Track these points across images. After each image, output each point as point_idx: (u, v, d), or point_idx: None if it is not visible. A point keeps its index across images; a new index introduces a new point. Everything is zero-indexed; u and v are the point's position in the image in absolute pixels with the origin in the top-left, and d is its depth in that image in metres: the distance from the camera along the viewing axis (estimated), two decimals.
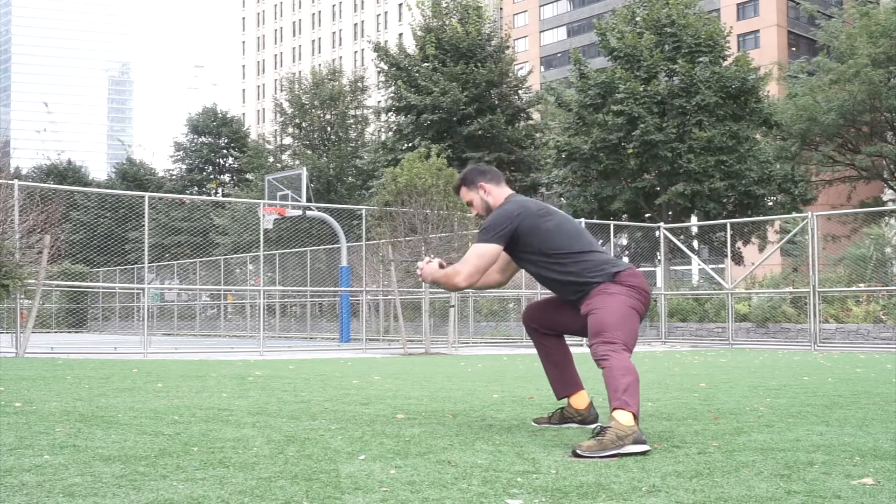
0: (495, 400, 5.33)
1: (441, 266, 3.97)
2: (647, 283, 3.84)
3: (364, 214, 18.38)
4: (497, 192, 4.03)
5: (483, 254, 3.78)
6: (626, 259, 26.69)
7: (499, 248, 3.79)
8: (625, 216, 28.51)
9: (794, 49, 59.84)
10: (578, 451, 3.24)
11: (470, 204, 4.11)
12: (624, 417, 3.37)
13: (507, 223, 3.80)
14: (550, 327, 4.11)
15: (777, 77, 35.17)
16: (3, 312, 23.16)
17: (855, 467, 2.94)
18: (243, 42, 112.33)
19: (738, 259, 28.09)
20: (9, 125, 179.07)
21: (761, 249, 28.05)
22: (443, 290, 19.93)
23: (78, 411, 4.51)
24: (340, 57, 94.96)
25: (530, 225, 3.81)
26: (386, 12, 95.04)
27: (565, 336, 4.19)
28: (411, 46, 33.35)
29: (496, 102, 31.48)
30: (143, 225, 15.91)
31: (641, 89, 25.89)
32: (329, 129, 40.64)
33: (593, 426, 3.79)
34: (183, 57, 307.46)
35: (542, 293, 18.55)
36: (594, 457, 3.21)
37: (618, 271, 3.78)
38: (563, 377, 4.12)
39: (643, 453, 3.28)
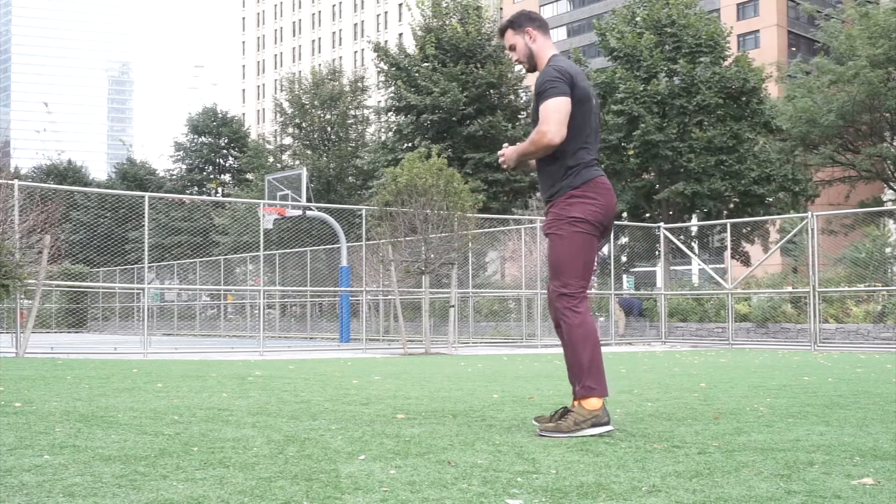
0: (495, 400, 5.33)
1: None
2: (612, 196, 3.85)
3: (364, 214, 18.38)
4: (542, 42, 3.96)
5: (559, 107, 3.73)
6: (625, 259, 26.72)
7: (570, 99, 3.74)
8: (625, 216, 28.53)
9: (794, 49, 59.82)
10: (539, 431, 3.50)
11: (512, 48, 4.01)
12: (588, 403, 3.56)
13: (567, 77, 3.76)
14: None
15: (776, 78, 35.17)
16: (3, 312, 23.16)
17: (855, 467, 2.94)
18: (243, 42, 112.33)
19: (744, 259, 28.09)
20: (9, 125, 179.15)
21: (766, 250, 28.05)
22: (443, 290, 19.96)
23: (78, 411, 4.51)
24: (340, 57, 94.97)
25: (582, 93, 3.78)
26: (386, 12, 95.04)
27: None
28: (411, 46, 33.34)
29: (496, 102, 31.48)
30: (143, 225, 15.91)
31: (641, 89, 25.90)
32: (329, 129, 40.64)
33: (561, 407, 3.93)
34: (183, 57, 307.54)
35: (542, 294, 18.55)
36: (549, 436, 3.43)
37: (588, 179, 3.79)
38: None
39: (602, 435, 3.42)
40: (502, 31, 4.06)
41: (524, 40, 3.96)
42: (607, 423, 3.51)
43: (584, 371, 3.59)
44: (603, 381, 3.61)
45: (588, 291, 3.82)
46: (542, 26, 3.99)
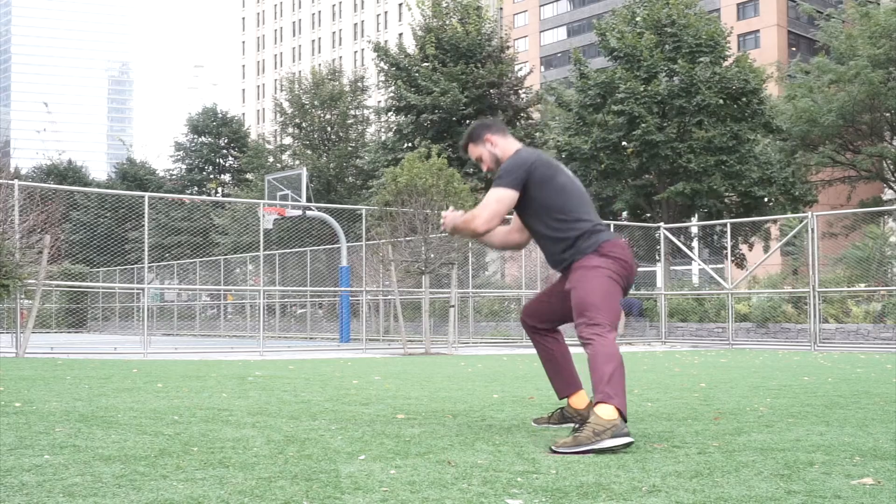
0: (495, 400, 5.33)
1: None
2: (630, 254, 3.84)
3: (364, 214, 18.38)
4: (504, 144, 4.02)
5: (500, 198, 3.75)
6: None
7: (515, 193, 3.77)
8: (625, 216, 28.51)
9: (794, 49, 59.82)
10: (553, 448, 3.27)
11: (479, 160, 4.08)
12: (604, 411, 3.38)
13: (523, 169, 3.78)
14: (547, 319, 4.09)
15: (776, 78, 35.17)
16: (3, 312, 23.17)
17: (855, 467, 2.94)
18: (243, 42, 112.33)
19: (739, 261, 28.10)
20: (9, 125, 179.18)
21: (766, 250, 28.05)
22: (443, 290, 19.95)
23: (78, 411, 4.51)
24: (340, 57, 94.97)
25: (543, 175, 3.80)
26: (386, 12, 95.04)
27: (565, 337, 4.19)
28: (411, 46, 33.32)
29: (496, 103, 31.46)
30: (143, 225, 15.91)
31: (642, 89, 25.89)
32: (329, 129, 40.63)
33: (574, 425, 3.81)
34: (183, 57, 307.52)
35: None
36: (568, 452, 3.24)
37: (602, 241, 3.78)
38: (562, 377, 4.12)
39: (625, 446, 3.30)
40: (465, 148, 4.14)
41: (487, 149, 4.03)
42: (627, 434, 3.36)
43: (604, 381, 3.46)
44: (623, 395, 3.46)
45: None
46: (500, 129, 4.07)
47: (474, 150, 4.09)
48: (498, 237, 4.15)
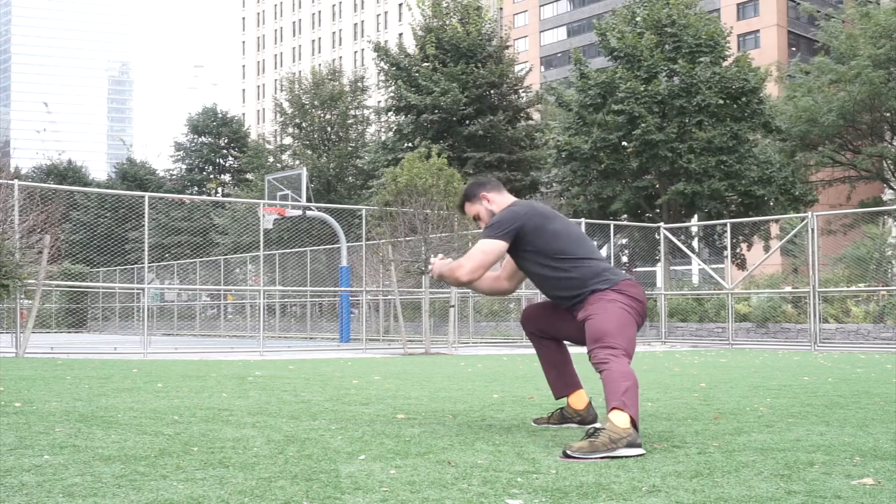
0: (495, 400, 5.33)
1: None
2: (644, 295, 3.83)
3: (364, 214, 18.39)
4: (500, 200, 4.05)
5: (488, 250, 3.77)
6: (625, 259, 26.72)
7: (504, 244, 3.78)
8: (625, 216, 28.51)
9: (794, 49, 59.82)
10: (569, 452, 3.23)
11: (476, 218, 4.11)
12: (620, 419, 3.34)
13: (514, 221, 3.80)
14: (547, 332, 4.09)
15: (776, 77, 35.17)
16: (3, 312, 23.17)
17: (855, 467, 2.94)
18: (243, 42, 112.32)
19: (740, 262, 28.10)
20: (9, 125, 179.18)
21: (766, 250, 28.05)
22: (443, 290, 19.96)
23: (78, 411, 4.51)
24: (340, 57, 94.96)
25: (536, 225, 3.81)
26: (386, 12, 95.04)
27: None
28: (411, 46, 33.33)
29: (496, 102, 31.47)
30: (143, 225, 15.92)
31: (642, 89, 25.90)
32: (329, 129, 40.63)
33: (588, 427, 3.78)
34: (183, 57, 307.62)
35: (542, 296, 18.54)
36: (584, 458, 3.20)
37: (618, 280, 3.77)
38: (561, 377, 4.11)
39: (637, 457, 3.28)
40: (461, 208, 4.17)
41: (484, 206, 4.05)
42: (641, 446, 3.33)
43: (620, 392, 3.42)
44: (636, 408, 3.41)
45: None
46: (495, 187, 4.09)
47: (471, 209, 4.10)
48: (485, 284, 4.15)
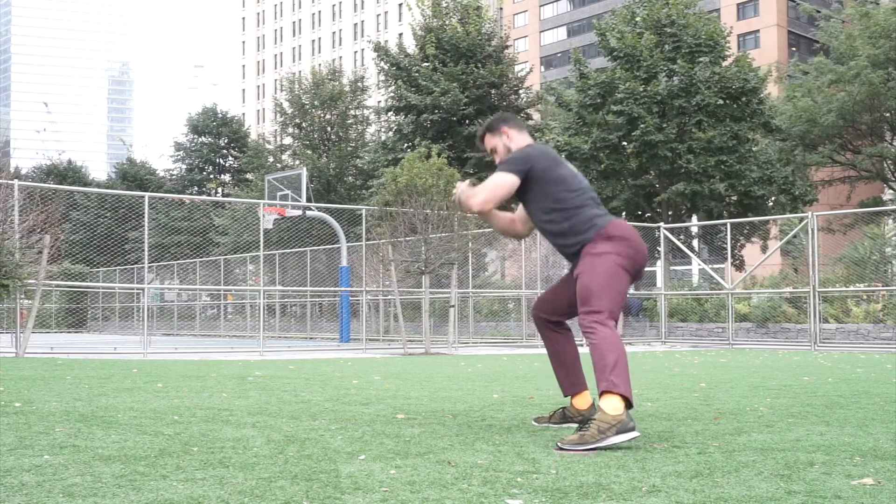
0: (495, 400, 5.33)
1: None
2: (636, 233, 3.86)
3: (364, 214, 18.39)
4: (518, 138, 4.12)
5: (500, 183, 3.84)
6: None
7: (515, 179, 3.84)
8: (625, 216, 28.50)
9: (794, 49, 59.81)
10: (560, 445, 3.29)
11: (493, 151, 4.17)
12: (610, 405, 3.40)
13: (527, 160, 3.88)
14: (558, 309, 4.10)
15: (776, 77, 35.16)
16: (3, 312, 23.17)
17: (855, 467, 2.94)
18: (243, 42, 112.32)
19: (739, 263, 28.10)
20: (9, 125, 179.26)
21: (763, 250, 28.06)
22: (443, 290, 19.96)
23: (78, 411, 4.51)
24: (340, 57, 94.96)
25: (545, 166, 3.88)
26: (386, 12, 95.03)
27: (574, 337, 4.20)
28: (411, 46, 33.33)
29: (496, 103, 31.47)
30: (143, 225, 15.92)
31: (641, 89, 25.89)
32: (329, 129, 40.63)
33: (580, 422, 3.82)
34: (183, 57, 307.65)
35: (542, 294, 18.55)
36: (575, 450, 3.26)
37: (604, 224, 3.82)
38: (568, 376, 4.12)
39: (631, 440, 3.32)
40: (482, 138, 4.24)
41: (502, 141, 4.12)
42: (633, 429, 3.37)
43: (609, 369, 3.49)
44: (628, 382, 3.48)
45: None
46: (517, 124, 4.17)
47: (490, 141, 4.18)
48: (502, 223, 4.21)
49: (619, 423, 3.34)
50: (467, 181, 4.13)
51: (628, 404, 3.46)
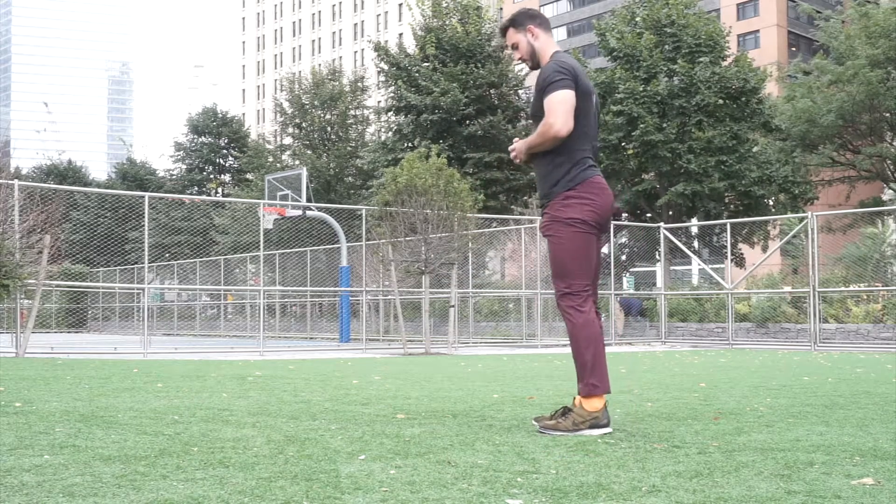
0: (495, 400, 5.33)
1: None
2: (606, 194, 3.85)
3: (364, 214, 18.38)
4: (545, 39, 3.98)
5: (565, 98, 3.73)
6: (624, 258, 26.73)
7: (574, 92, 3.74)
8: (625, 216, 28.51)
9: (793, 49, 59.84)
10: (536, 423, 3.62)
11: (514, 46, 4.02)
12: (589, 403, 3.65)
13: (573, 73, 3.77)
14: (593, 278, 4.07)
15: (776, 77, 35.16)
16: (3, 312, 23.16)
17: (855, 467, 2.94)
18: (243, 42, 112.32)
19: (738, 261, 28.10)
20: (9, 125, 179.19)
21: (764, 250, 28.06)
22: (443, 290, 19.96)
23: (78, 411, 4.51)
24: (340, 57, 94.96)
25: (585, 88, 3.80)
26: (386, 12, 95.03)
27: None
28: (411, 46, 33.31)
29: (496, 102, 31.45)
30: (143, 225, 15.91)
31: (641, 89, 25.90)
32: (329, 129, 40.63)
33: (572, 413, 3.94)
34: (183, 57, 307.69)
35: (542, 294, 18.56)
36: (548, 433, 3.55)
37: (586, 179, 3.80)
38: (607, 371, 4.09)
39: (601, 435, 3.52)
40: (504, 30, 4.07)
41: (526, 38, 3.97)
42: (606, 426, 3.60)
43: (588, 369, 3.67)
44: (605, 378, 3.68)
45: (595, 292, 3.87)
46: (544, 23, 4.01)
47: (513, 36, 4.01)
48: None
49: (593, 419, 3.58)
50: (515, 139, 4.05)
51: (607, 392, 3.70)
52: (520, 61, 4.08)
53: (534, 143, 3.85)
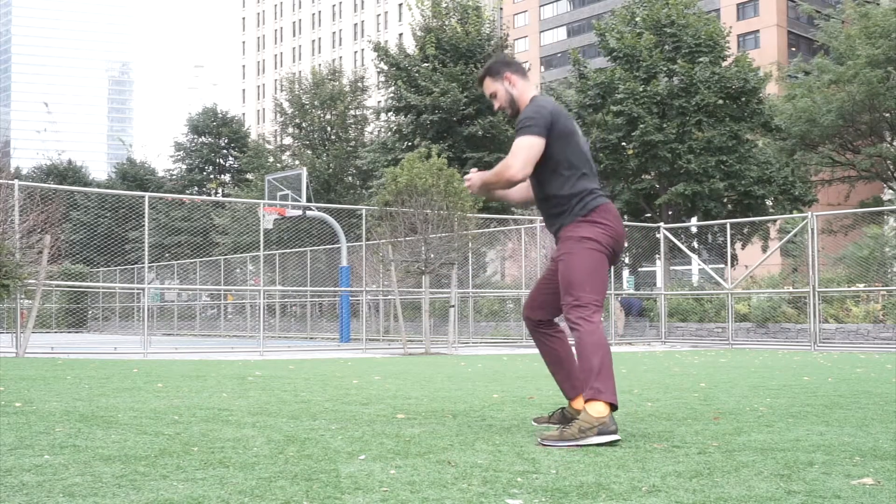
0: (495, 400, 5.33)
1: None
2: (619, 222, 3.84)
3: (364, 214, 18.39)
4: (522, 86, 3.97)
5: (531, 145, 3.70)
6: (624, 258, 26.72)
7: (543, 140, 3.72)
8: (625, 216, 28.50)
9: (793, 49, 59.80)
10: (540, 440, 3.42)
11: (493, 96, 4.01)
12: (594, 409, 3.50)
13: (547, 116, 3.74)
14: (545, 303, 4.04)
15: (776, 77, 35.16)
16: (3, 312, 23.17)
17: (855, 467, 2.94)
18: (243, 42, 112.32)
19: (733, 261, 28.09)
20: (9, 125, 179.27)
21: (764, 250, 28.05)
22: (443, 290, 19.95)
23: (78, 411, 4.51)
24: (340, 57, 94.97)
25: (564, 128, 3.77)
26: (386, 12, 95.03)
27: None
28: (411, 46, 33.32)
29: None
30: (143, 225, 15.92)
31: (641, 89, 25.89)
32: (329, 129, 40.63)
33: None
34: (183, 57, 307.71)
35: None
36: (554, 446, 3.37)
37: (596, 207, 3.78)
38: (568, 378, 4.08)
39: (610, 443, 3.40)
40: (481, 80, 4.07)
41: (504, 86, 3.96)
42: (614, 432, 3.45)
43: (594, 374, 3.55)
44: (612, 386, 3.56)
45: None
46: (520, 70, 4.01)
47: (490, 85, 4.01)
48: (521, 191, 4.11)
49: (600, 425, 3.43)
50: (473, 169, 4.05)
51: (613, 406, 3.54)
52: (499, 110, 4.07)
53: (489, 181, 3.85)
